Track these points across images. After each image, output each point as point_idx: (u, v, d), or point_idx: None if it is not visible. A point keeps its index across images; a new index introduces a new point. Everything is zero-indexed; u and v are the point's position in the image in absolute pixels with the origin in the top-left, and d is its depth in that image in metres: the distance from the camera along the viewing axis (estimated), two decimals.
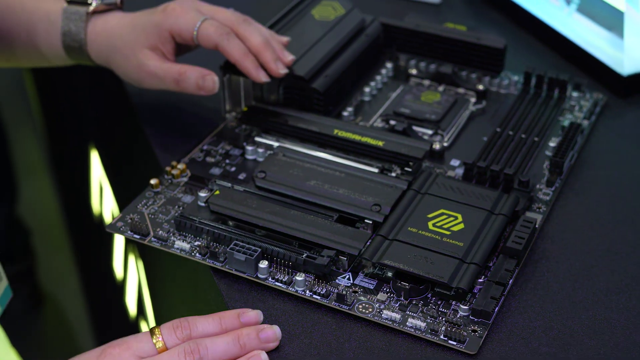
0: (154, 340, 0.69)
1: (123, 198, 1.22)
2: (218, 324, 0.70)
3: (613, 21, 0.97)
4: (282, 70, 0.86)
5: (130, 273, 1.26)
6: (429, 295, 0.73)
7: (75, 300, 1.96)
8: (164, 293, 1.05)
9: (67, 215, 2.06)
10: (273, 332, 0.69)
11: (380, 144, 0.85)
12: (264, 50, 0.86)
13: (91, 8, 0.89)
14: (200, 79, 0.85)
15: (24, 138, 2.31)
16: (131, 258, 1.24)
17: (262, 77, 0.86)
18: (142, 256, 1.14)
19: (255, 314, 0.71)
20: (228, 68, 0.89)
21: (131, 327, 1.34)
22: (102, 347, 0.68)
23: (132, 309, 1.32)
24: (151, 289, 1.12)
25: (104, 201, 1.41)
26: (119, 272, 1.38)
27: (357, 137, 0.86)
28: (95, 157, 1.42)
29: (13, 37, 0.93)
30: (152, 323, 1.14)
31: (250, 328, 0.69)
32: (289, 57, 0.87)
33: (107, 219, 1.37)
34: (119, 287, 1.39)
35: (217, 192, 0.79)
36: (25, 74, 2.16)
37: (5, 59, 0.96)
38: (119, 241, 1.32)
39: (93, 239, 1.69)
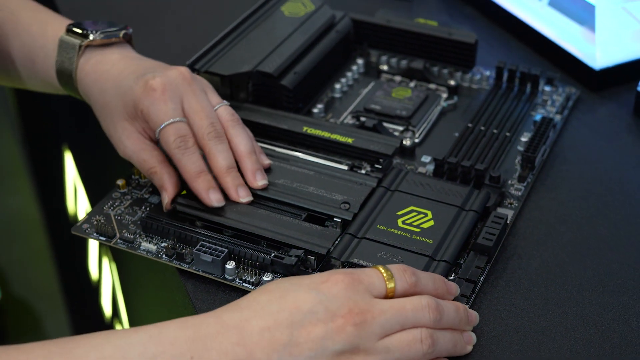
0: (386, 279, 0.65)
1: (95, 199, 1.20)
2: (432, 282, 0.68)
3: (585, 15, 0.96)
4: (261, 182, 0.79)
5: (105, 275, 1.25)
6: None
7: (53, 302, 1.95)
8: (136, 295, 1.04)
9: (44, 216, 2.04)
10: (475, 315, 0.69)
11: (350, 141, 0.84)
12: (226, 175, 0.78)
13: (86, 41, 0.83)
14: (162, 190, 0.78)
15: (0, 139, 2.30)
16: (105, 260, 1.23)
17: (215, 202, 0.76)
18: (114, 258, 1.13)
19: (456, 286, 0.70)
20: (195, 66, 0.88)
21: (107, 329, 1.32)
22: (326, 273, 0.64)
23: (108, 311, 1.30)
24: (124, 290, 1.11)
25: (78, 202, 1.39)
26: (94, 274, 1.37)
27: (326, 135, 0.85)
28: (69, 158, 1.41)
29: (15, 61, 0.88)
30: (126, 325, 1.12)
31: (465, 307, 0.68)
32: (261, 182, 0.79)
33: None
34: (95, 289, 1.38)
35: (184, 192, 0.78)
36: None
37: (11, 80, 0.92)
38: (93, 243, 1.30)
39: (69, 240, 1.68)
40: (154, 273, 0.87)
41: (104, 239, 0.77)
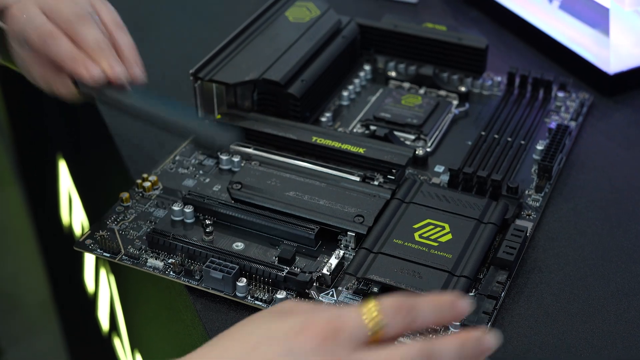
0: (375, 323, 0.53)
1: (93, 210, 1.17)
2: (436, 312, 0.55)
3: (598, 18, 0.94)
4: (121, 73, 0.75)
5: (102, 288, 1.22)
6: None
7: (44, 313, 1.92)
8: (137, 309, 1.01)
9: (36, 226, 2.01)
10: (491, 340, 0.55)
11: (362, 151, 0.81)
12: (99, 53, 0.74)
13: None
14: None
15: None
16: (102, 272, 1.19)
17: (95, 75, 0.73)
18: (113, 270, 1.10)
19: (468, 305, 0.56)
20: (199, 74, 0.85)
21: (104, 343, 1.29)
22: (305, 316, 0.54)
23: (105, 325, 1.27)
24: (124, 304, 1.08)
25: (73, 213, 1.36)
26: (90, 286, 1.33)
27: (337, 145, 0.82)
28: (63, 168, 1.37)
29: None
30: (126, 340, 1.09)
31: (474, 336, 0.55)
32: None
33: (77, 231, 1.33)
34: (91, 302, 1.35)
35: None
36: None
37: None
38: (90, 255, 1.27)
39: (62, 250, 1.65)
40: (158, 289, 0.84)
41: (108, 255, 0.74)
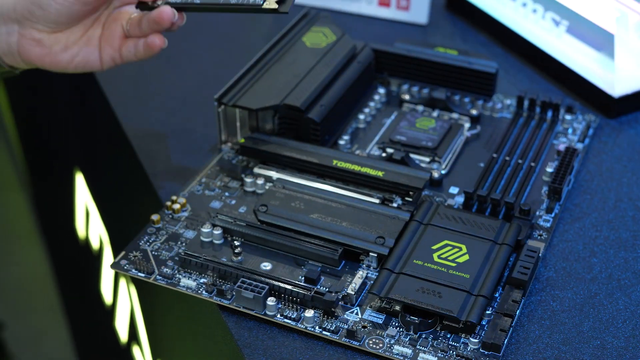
0: None
1: (113, 225, 1.21)
2: None
3: (603, 42, 0.98)
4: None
5: (121, 298, 1.26)
6: (438, 329, 0.73)
7: (54, 321, 1.95)
8: (159, 322, 1.05)
9: (44, 233, 2.05)
10: None
11: (380, 174, 0.85)
12: None
13: None
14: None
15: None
16: (122, 282, 1.23)
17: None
18: (134, 282, 1.14)
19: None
20: (223, 100, 0.89)
21: (120, 352, 1.33)
22: None
23: (123, 335, 1.31)
24: (145, 316, 1.12)
25: (90, 226, 1.40)
26: (107, 297, 1.37)
27: (356, 168, 0.86)
28: (80, 180, 1.41)
29: None
30: (147, 350, 1.13)
31: None
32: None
33: (94, 243, 1.37)
34: (108, 312, 1.38)
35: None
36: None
37: None
38: (107, 266, 1.31)
39: (75, 260, 1.68)
40: (187, 305, 0.87)
41: (142, 275, 0.78)
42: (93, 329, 1.67)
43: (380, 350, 0.71)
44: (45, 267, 2.04)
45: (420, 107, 0.97)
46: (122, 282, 1.22)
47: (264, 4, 0.80)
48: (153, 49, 0.83)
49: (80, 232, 1.49)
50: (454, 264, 0.76)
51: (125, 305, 1.23)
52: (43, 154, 1.78)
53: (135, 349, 1.23)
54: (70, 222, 1.55)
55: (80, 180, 1.40)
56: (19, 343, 1.88)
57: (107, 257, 1.29)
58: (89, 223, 1.39)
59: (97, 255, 1.36)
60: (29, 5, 0.80)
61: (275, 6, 0.80)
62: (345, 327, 0.73)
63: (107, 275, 1.33)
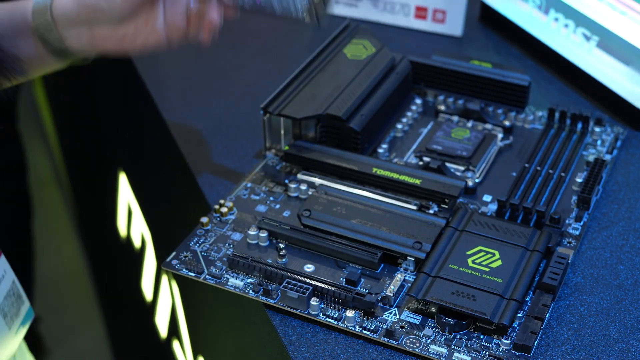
0: None
1: (158, 227, 1.26)
2: None
3: (632, 57, 1.02)
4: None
5: (162, 297, 1.31)
6: (472, 330, 0.77)
7: (88, 316, 2.00)
8: (201, 318, 1.10)
9: (83, 228, 2.10)
10: None
11: (418, 182, 0.90)
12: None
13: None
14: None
15: (38, 149, 2.35)
16: (164, 279, 1.28)
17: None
18: (177, 281, 1.19)
19: None
20: (268, 109, 0.94)
21: (161, 346, 1.38)
22: None
23: (163, 331, 1.36)
24: (187, 312, 1.17)
25: (132, 224, 1.45)
26: (147, 293, 1.42)
27: (395, 176, 0.90)
28: (123, 179, 1.46)
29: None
30: (187, 345, 1.18)
31: None
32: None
33: (137, 242, 1.42)
34: (147, 309, 1.43)
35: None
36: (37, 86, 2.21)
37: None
38: (149, 263, 1.36)
39: (117, 258, 1.74)
40: (232, 304, 0.92)
41: (192, 274, 0.83)
42: (131, 325, 1.72)
43: (417, 350, 0.76)
44: (82, 263, 2.10)
45: (455, 118, 1.02)
46: (164, 280, 1.27)
47: (305, 18, 0.84)
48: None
49: (122, 231, 1.54)
50: (487, 269, 0.80)
51: (166, 303, 1.28)
52: (88, 154, 1.83)
53: (175, 345, 1.28)
54: (112, 221, 1.60)
55: (124, 181, 1.45)
56: (53, 338, 1.93)
57: (149, 256, 1.34)
58: (131, 223, 1.44)
59: (139, 254, 1.41)
60: (94, 5, 0.84)
61: (315, 21, 0.84)
62: (384, 326, 0.78)
63: (148, 273, 1.38)
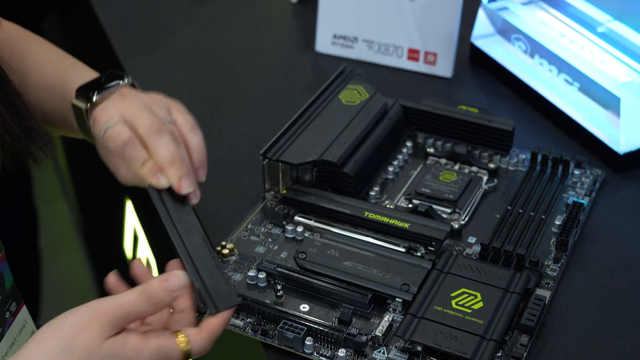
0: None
1: (156, 247, 1.32)
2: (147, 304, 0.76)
3: (610, 102, 1.08)
4: (186, 190, 0.86)
5: None
6: None
7: None
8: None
9: (89, 247, 2.16)
10: (177, 279, 0.77)
11: (407, 226, 0.96)
12: (170, 166, 0.86)
13: (89, 105, 0.91)
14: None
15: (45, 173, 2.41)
16: None
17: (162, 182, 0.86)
18: None
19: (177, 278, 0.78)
20: (268, 154, 1.00)
21: None
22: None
23: None
24: None
25: (137, 249, 1.51)
26: None
27: (385, 219, 0.97)
28: (129, 207, 1.53)
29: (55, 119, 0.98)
30: None
31: (155, 280, 0.77)
32: (185, 190, 0.87)
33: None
34: None
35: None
36: None
37: (62, 131, 1.03)
38: None
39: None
40: (230, 341, 0.98)
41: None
42: None
43: None
44: (87, 275, 2.15)
45: (443, 160, 1.08)
46: None
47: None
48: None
49: (128, 253, 1.61)
50: (469, 310, 0.87)
51: None
52: (94, 179, 1.89)
53: None
54: (118, 243, 1.66)
55: (130, 207, 1.51)
56: None
57: None
58: (137, 248, 1.51)
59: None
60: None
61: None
62: None
63: None
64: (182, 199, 0.87)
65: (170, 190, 0.87)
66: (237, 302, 0.82)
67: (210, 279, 0.83)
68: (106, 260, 1.97)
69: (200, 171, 0.90)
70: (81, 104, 0.92)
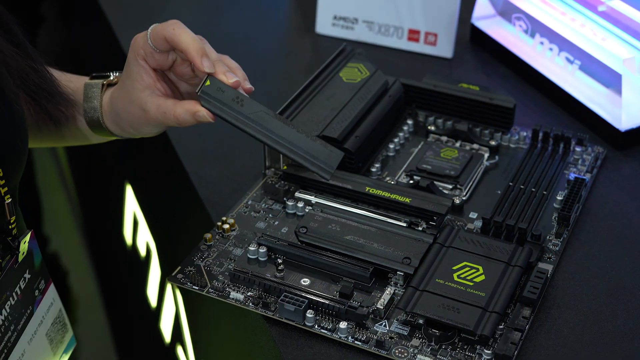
0: None
1: (157, 231, 1.32)
2: None
3: (612, 80, 1.08)
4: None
5: (167, 301, 1.36)
6: (456, 341, 0.83)
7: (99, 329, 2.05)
8: (204, 326, 1.15)
9: (88, 231, 2.15)
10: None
11: (408, 200, 0.95)
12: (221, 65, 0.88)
13: (107, 80, 0.94)
14: (192, 117, 0.88)
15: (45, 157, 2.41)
16: (168, 287, 1.34)
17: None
18: (180, 290, 1.24)
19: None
20: None
21: (167, 352, 1.44)
22: None
23: (167, 336, 1.42)
24: (190, 319, 1.22)
25: (137, 234, 1.51)
26: (152, 299, 1.48)
27: (386, 194, 0.96)
28: (129, 192, 1.52)
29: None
30: (191, 356, 1.24)
31: None
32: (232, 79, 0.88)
33: (142, 252, 1.48)
34: (151, 318, 1.49)
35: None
36: None
37: (55, 141, 1.04)
38: (154, 272, 1.42)
39: (118, 261, 1.79)
40: (231, 314, 0.98)
41: (197, 288, 0.89)
42: (136, 334, 1.78)
43: (405, 359, 0.82)
44: (87, 268, 2.15)
45: (444, 138, 1.08)
46: (169, 291, 1.33)
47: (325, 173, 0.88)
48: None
49: (128, 239, 1.60)
50: (471, 283, 0.86)
51: (170, 313, 1.34)
52: (95, 163, 1.89)
53: (179, 354, 1.34)
54: (118, 229, 1.66)
55: (129, 192, 1.51)
56: None
57: (154, 267, 1.40)
58: (137, 232, 1.50)
59: (144, 264, 1.47)
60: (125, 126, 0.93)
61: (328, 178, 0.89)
62: (375, 337, 0.84)
63: (152, 284, 1.44)
64: (238, 97, 0.88)
65: (224, 93, 0.87)
66: (340, 155, 0.88)
67: (307, 151, 0.87)
68: (105, 245, 1.97)
69: (246, 83, 0.90)
70: (97, 81, 0.94)
